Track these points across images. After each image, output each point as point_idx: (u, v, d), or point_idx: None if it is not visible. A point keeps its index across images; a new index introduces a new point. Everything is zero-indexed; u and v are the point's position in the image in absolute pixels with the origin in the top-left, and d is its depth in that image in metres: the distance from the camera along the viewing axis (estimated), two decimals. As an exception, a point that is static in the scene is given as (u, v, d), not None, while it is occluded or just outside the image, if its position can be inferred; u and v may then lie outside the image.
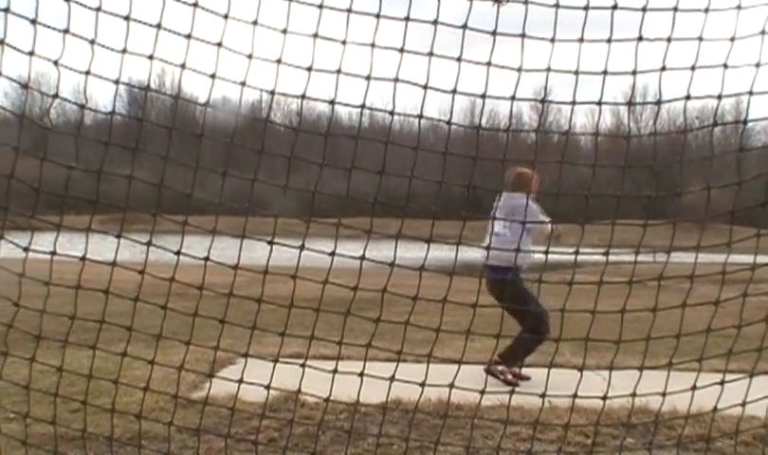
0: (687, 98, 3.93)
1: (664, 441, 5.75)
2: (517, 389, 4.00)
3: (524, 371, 7.85)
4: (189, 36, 3.62)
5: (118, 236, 3.94)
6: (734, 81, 3.99)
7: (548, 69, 3.78)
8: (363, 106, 3.78)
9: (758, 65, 3.79)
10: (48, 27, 3.57)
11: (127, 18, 3.59)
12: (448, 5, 3.78)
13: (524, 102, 3.98)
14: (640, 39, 3.76)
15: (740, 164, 4.06)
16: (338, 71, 3.70)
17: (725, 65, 3.86)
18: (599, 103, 3.83)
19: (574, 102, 3.82)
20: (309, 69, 3.71)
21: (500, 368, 7.92)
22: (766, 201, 3.89)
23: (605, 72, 3.79)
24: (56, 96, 3.79)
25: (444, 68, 3.93)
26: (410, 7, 3.66)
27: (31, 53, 3.58)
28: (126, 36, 3.59)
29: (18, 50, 3.57)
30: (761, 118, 4.19)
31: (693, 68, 3.84)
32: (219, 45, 3.64)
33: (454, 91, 3.76)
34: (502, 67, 3.74)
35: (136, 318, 4.08)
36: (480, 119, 4.04)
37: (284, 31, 3.66)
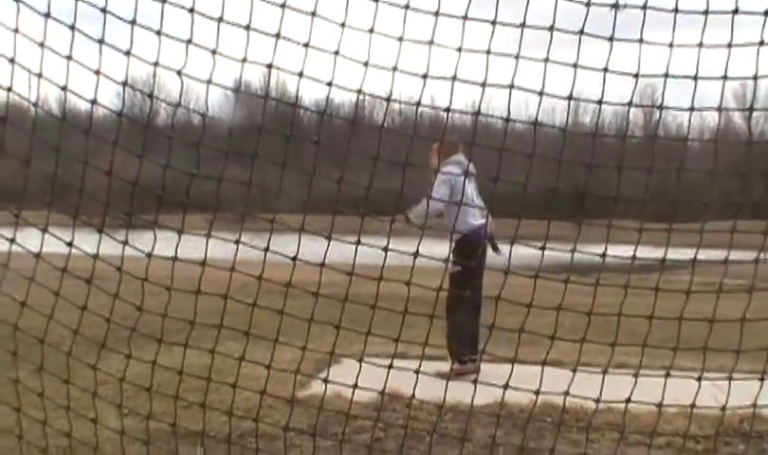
0: None
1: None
2: (633, 396, 3.92)
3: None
4: (307, 45, 3.68)
5: (236, 242, 4.02)
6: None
7: (666, 75, 3.71)
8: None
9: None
10: (171, 36, 3.68)
11: (247, 28, 3.66)
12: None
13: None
14: (761, 43, 3.66)
15: None
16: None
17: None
18: (720, 109, 3.74)
19: (692, 109, 3.74)
20: (424, 76, 3.73)
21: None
22: None
23: (725, 77, 3.70)
24: (178, 105, 3.90)
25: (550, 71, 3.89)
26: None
27: (156, 64, 3.70)
28: (247, 44, 3.67)
29: (144, 61, 3.69)
30: None
31: None
32: (336, 53, 3.68)
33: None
34: (618, 73, 3.69)
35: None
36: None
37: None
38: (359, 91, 3.83)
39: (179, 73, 3.67)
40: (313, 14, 3.67)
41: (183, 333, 4.32)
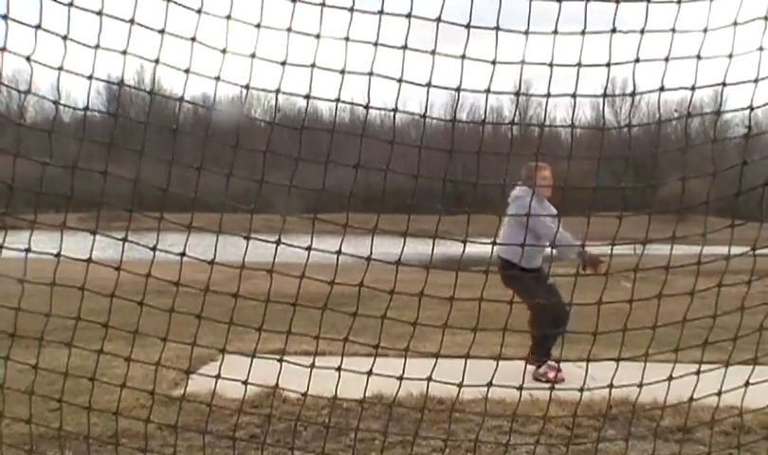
0: (662, 89, 3.95)
1: (643, 431, 5.79)
2: (495, 382, 4.00)
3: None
4: (162, 31, 3.61)
5: (94, 233, 3.92)
6: (710, 73, 4.01)
7: (522, 62, 3.79)
8: (338, 100, 3.78)
9: (730, 56, 3.82)
10: (22, 23, 3.56)
11: (99, 13, 3.57)
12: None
13: (504, 97, 4.00)
14: (614, 31, 3.78)
15: (716, 155, 4.08)
16: (312, 65, 3.70)
17: (699, 56, 3.88)
18: (574, 95, 3.83)
19: (548, 95, 3.83)
20: (283, 63, 3.71)
21: (541, 370, 7.80)
22: (739, 192, 3.92)
23: (579, 64, 3.81)
24: (28, 91, 3.78)
25: (419, 63, 3.94)
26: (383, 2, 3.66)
27: (3, 49, 3.56)
28: (99, 31, 3.58)
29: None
30: (738, 109, 4.21)
31: (667, 59, 3.86)
32: (192, 39, 3.63)
33: (428, 84, 3.77)
34: (477, 60, 3.75)
35: (114, 316, 4.06)
36: (454, 112, 4.03)
37: (258, 26, 3.65)
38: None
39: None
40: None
41: (51, 334, 4.20)
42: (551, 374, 7.52)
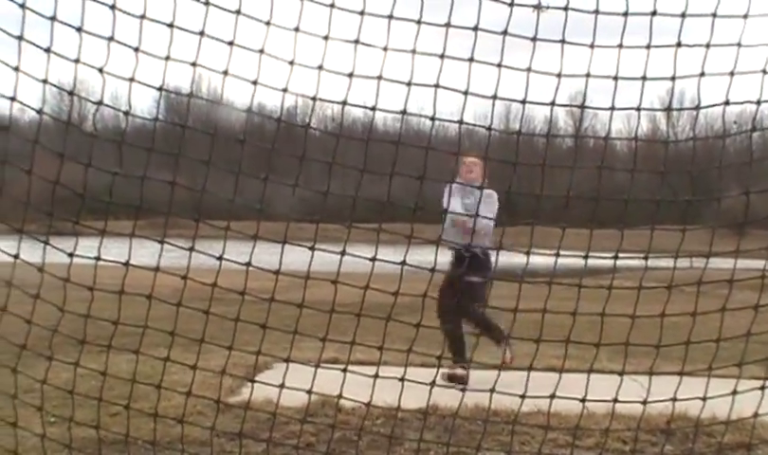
0: (726, 103, 3.92)
1: (703, 448, 5.70)
2: (557, 394, 3.98)
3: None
4: (231, 43, 3.67)
5: (161, 241, 3.99)
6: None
7: (587, 75, 3.79)
8: (404, 112, 3.81)
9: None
10: (93, 34, 3.64)
11: (171, 25, 3.64)
12: (488, 11, 3.80)
13: (560, 108, 3.99)
14: (679, 45, 3.76)
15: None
16: (379, 77, 3.73)
17: (764, 71, 3.84)
18: (638, 109, 3.82)
19: (613, 108, 3.82)
20: (350, 75, 3.74)
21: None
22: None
23: (644, 77, 3.79)
24: (100, 103, 3.85)
25: (482, 74, 3.95)
26: (450, 12, 3.68)
27: (77, 61, 3.65)
28: (170, 43, 3.65)
29: (64, 57, 3.63)
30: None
31: (732, 74, 3.83)
32: (261, 51, 3.68)
33: (494, 97, 3.78)
34: (543, 73, 3.75)
35: (170, 323, 4.12)
36: (519, 124, 4.04)
37: (326, 37, 3.69)
38: (285, 89, 3.83)
39: (101, 70, 3.63)
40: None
41: (115, 339, 4.28)
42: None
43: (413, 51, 3.74)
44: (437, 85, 3.77)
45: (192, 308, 4.04)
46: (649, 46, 3.75)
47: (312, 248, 3.99)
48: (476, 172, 8.42)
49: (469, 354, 7.83)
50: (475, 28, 3.71)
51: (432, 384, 4.07)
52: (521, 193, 4.33)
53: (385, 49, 3.73)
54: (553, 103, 3.84)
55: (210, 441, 4.99)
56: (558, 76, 3.78)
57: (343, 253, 3.95)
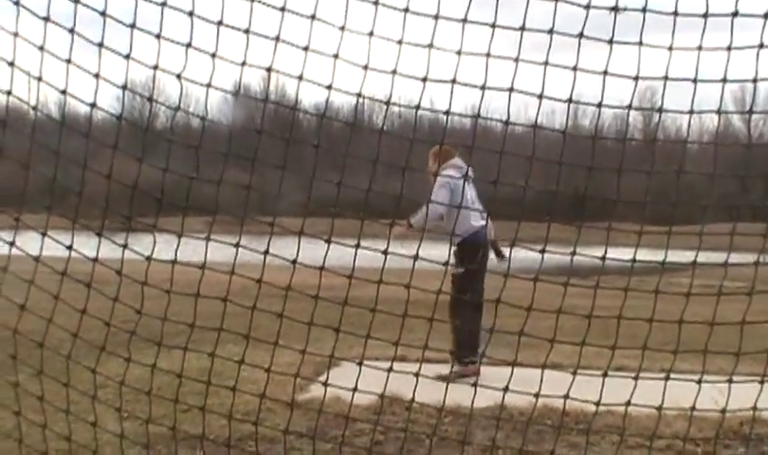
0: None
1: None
2: (633, 399, 3.93)
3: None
4: (306, 49, 3.68)
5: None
6: None
7: (665, 78, 3.73)
8: (478, 116, 3.78)
9: None
10: (170, 40, 3.69)
11: (247, 31, 3.67)
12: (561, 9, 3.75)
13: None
14: (761, 46, 3.67)
15: None
16: (453, 81, 3.71)
17: None
18: (719, 112, 3.74)
19: (692, 111, 3.74)
20: (424, 80, 3.73)
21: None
22: None
23: (724, 79, 3.70)
24: (178, 108, 3.90)
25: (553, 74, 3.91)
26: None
27: (156, 67, 3.70)
28: (247, 47, 3.68)
29: (143, 64, 3.69)
30: None
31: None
32: (336, 56, 3.69)
33: (569, 100, 3.73)
34: (616, 75, 3.70)
35: (251, 324, 4.15)
36: (596, 125, 3.97)
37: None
38: (359, 94, 3.84)
39: (178, 76, 3.67)
40: (312, 17, 3.68)
41: (183, 336, 4.33)
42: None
43: (488, 54, 3.71)
44: (512, 89, 3.73)
45: (267, 311, 4.07)
46: (730, 48, 3.66)
47: (385, 252, 3.99)
48: (430, 163, 8.94)
49: (482, 348, 7.85)
50: (550, 32, 3.67)
51: (506, 389, 4.04)
52: (593, 198, 4.26)
53: (458, 53, 3.71)
54: (629, 107, 3.77)
55: (280, 438, 5.03)
56: (636, 79, 3.71)
57: (416, 258, 3.94)
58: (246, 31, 3.66)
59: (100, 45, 3.68)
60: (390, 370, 4.06)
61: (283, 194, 4.14)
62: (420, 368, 4.10)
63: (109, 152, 4.04)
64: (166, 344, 4.25)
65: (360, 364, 4.07)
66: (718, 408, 4.04)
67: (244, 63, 3.75)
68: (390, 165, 4.08)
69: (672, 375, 3.87)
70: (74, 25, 3.80)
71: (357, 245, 3.90)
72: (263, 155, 4.14)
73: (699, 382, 3.88)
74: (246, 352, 4.27)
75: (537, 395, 3.94)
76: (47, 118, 4.70)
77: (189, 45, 3.70)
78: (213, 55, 3.67)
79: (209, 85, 3.78)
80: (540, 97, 3.74)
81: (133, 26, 3.67)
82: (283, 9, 3.65)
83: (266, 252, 4.02)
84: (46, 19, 3.83)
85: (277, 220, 4.17)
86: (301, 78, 3.72)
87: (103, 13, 3.64)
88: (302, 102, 4.25)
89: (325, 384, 4.24)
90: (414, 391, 4.21)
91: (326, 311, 4.13)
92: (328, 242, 3.96)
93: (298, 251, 3.98)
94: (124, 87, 3.86)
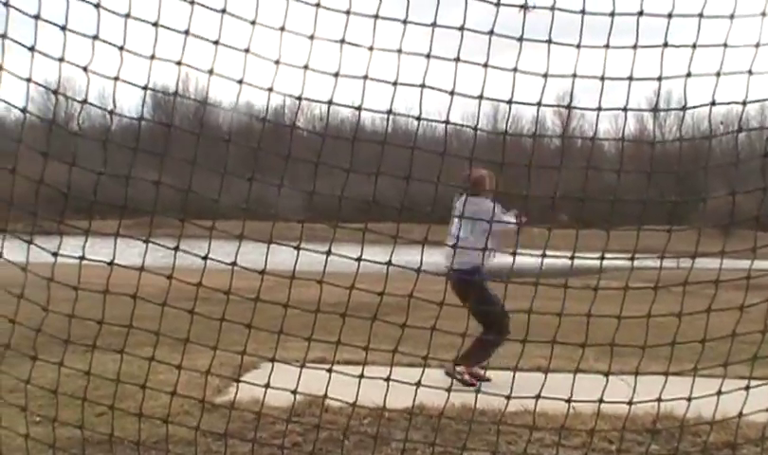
0: (713, 103, 3.93)
1: (689, 447, 5.72)
2: (543, 394, 3.99)
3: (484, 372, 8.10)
4: (216, 42, 3.66)
5: (146, 241, 3.97)
6: (759, 88, 3.99)
7: (574, 75, 3.80)
8: (390, 112, 3.80)
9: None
10: (78, 33, 3.62)
11: (155, 24, 3.62)
12: (474, 10, 3.80)
13: (547, 108, 3.98)
14: (666, 45, 3.76)
15: (765, 170, 4.05)
16: (365, 76, 3.72)
17: (750, 72, 3.85)
18: (625, 109, 3.82)
19: (599, 108, 3.82)
20: (336, 75, 3.74)
21: (458, 368, 8.02)
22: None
23: (630, 78, 3.79)
24: (85, 101, 3.84)
25: (468, 74, 3.95)
26: (436, 12, 3.67)
27: (61, 59, 3.63)
28: (155, 42, 3.63)
29: (48, 56, 3.62)
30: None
31: (718, 74, 3.84)
32: (246, 50, 3.67)
33: (480, 97, 3.78)
34: (529, 73, 3.75)
35: (155, 323, 4.11)
36: (506, 124, 4.03)
37: (312, 37, 3.68)
38: (270, 88, 3.82)
39: (85, 69, 3.62)
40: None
41: (94, 339, 4.26)
42: (467, 377, 8.08)
43: (399, 51, 3.73)
44: (423, 85, 3.76)
45: (178, 308, 4.03)
46: (635, 47, 3.75)
47: (297, 248, 3.98)
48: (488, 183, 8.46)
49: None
50: (461, 28, 3.71)
51: (418, 384, 4.06)
52: (509, 194, 4.32)
53: (370, 49, 3.73)
54: (539, 104, 3.84)
55: (195, 440, 4.97)
56: (545, 76, 3.78)
57: (329, 253, 3.94)
58: (155, 24, 3.62)
59: (3, 36, 3.59)
60: (302, 368, 4.06)
61: (197, 193, 4.11)
62: (332, 368, 4.10)
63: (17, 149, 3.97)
64: (76, 344, 4.17)
65: (273, 361, 4.06)
66: (626, 399, 4.12)
67: (153, 57, 3.70)
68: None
69: (582, 369, 3.94)
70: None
71: (270, 242, 3.89)
72: (178, 153, 4.11)
73: (606, 374, 3.97)
74: (155, 352, 4.22)
75: (448, 390, 3.96)
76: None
77: (96, 38, 3.65)
78: (121, 48, 3.62)
79: (116, 79, 3.73)
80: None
81: (37, 17, 3.60)
82: (192, 3, 3.63)
83: (177, 248, 3.97)
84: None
85: (191, 220, 4.14)
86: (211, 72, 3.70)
87: (6, 4, 3.56)
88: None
89: (237, 380, 4.21)
90: (327, 389, 4.21)
91: (246, 313, 4.12)
92: (240, 238, 3.94)
93: (208, 250, 3.95)
94: (28, 80, 3.77)
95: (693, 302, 4.10)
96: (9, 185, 3.84)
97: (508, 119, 4.01)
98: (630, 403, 4.09)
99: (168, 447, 5.22)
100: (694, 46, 3.76)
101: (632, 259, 3.98)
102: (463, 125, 4.20)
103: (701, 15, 3.75)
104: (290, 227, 4.57)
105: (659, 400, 4.10)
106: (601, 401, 4.08)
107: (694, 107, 3.99)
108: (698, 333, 4.16)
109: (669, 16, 3.75)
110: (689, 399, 4.10)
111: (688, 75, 3.79)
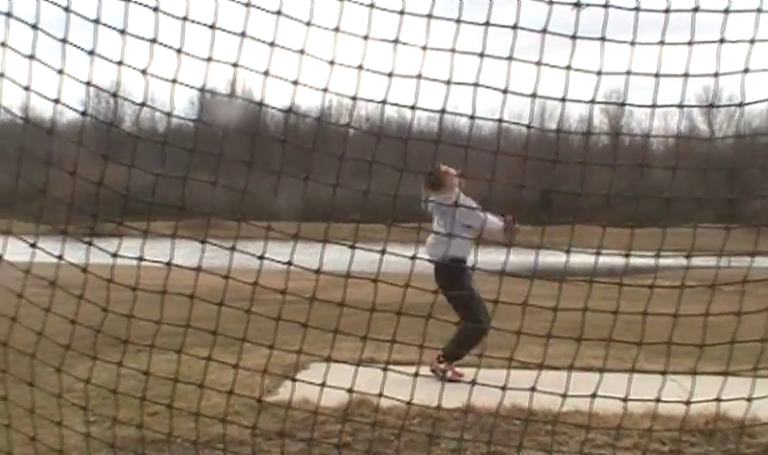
0: (769, 100, 3.87)
1: (745, 449, 5.65)
2: (598, 393, 3.96)
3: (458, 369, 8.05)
4: (272, 44, 3.68)
5: (203, 241, 4.01)
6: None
7: (628, 72, 3.77)
8: (443, 110, 3.80)
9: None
10: (137, 36, 3.67)
11: (212, 26, 3.66)
12: (527, 9, 3.79)
13: (596, 106, 3.96)
14: (722, 41, 3.72)
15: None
16: (419, 76, 3.73)
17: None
18: (681, 106, 3.79)
19: (654, 105, 3.79)
20: (390, 75, 3.75)
21: (441, 366, 8.07)
22: None
23: (686, 74, 3.75)
24: (143, 104, 3.88)
25: (519, 72, 3.93)
26: (489, 11, 3.67)
27: (120, 63, 3.68)
28: (212, 44, 3.67)
29: (108, 60, 3.67)
30: None
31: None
32: (301, 51, 3.69)
33: (534, 95, 3.76)
34: (582, 71, 3.73)
35: (209, 323, 4.14)
36: (558, 122, 4.01)
37: (366, 37, 3.70)
38: (325, 89, 3.85)
39: (144, 72, 3.66)
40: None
41: (150, 339, 4.30)
42: (450, 373, 7.95)
43: (453, 50, 3.73)
44: (476, 84, 3.75)
45: (235, 307, 4.06)
46: (691, 43, 3.72)
47: (353, 247, 3.99)
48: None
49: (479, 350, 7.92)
50: (514, 27, 3.70)
51: (473, 382, 4.06)
52: (560, 192, 4.29)
53: (424, 48, 3.73)
54: (593, 101, 3.81)
55: (248, 440, 5.00)
56: (599, 73, 3.75)
57: (383, 252, 3.95)
58: (212, 26, 3.65)
59: (64, 40, 3.64)
60: (357, 366, 4.07)
61: (251, 194, 4.14)
62: (387, 366, 4.11)
63: (74, 153, 4.02)
64: (133, 345, 4.22)
65: (327, 361, 4.07)
66: (682, 400, 4.08)
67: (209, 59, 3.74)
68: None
69: (636, 369, 3.90)
70: (37, 21, 3.77)
71: (324, 241, 3.90)
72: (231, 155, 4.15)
73: (663, 373, 3.93)
74: (211, 353, 4.25)
75: (503, 388, 3.95)
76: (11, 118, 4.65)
77: (154, 41, 3.69)
78: (179, 50, 3.66)
79: (174, 81, 3.76)
80: (505, 91, 3.76)
81: (97, 21, 3.65)
82: (248, 5, 3.66)
83: (233, 248, 4.01)
84: (8, 15, 3.79)
85: (247, 222, 4.17)
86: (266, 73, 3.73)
87: (67, 9, 3.61)
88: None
89: (293, 379, 4.23)
90: (382, 389, 4.22)
91: (296, 314, 4.14)
92: (295, 238, 3.97)
93: (264, 251, 3.98)
94: (88, 83, 3.83)
95: (749, 302, 4.04)
96: (68, 187, 3.90)
97: (561, 117, 4.00)
98: (687, 403, 4.05)
99: (219, 446, 5.27)
100: (752, 42, 3.70)
101: (689, 257, 3.94)
102: (517, 123, 4.18)
103: (759, 10, 3.70)
104: (337, 227, 4.58)
105: (718, 400, 4.05)
106: (658, 401, 4.04)
107: (751, 103, 3.94)
108: (754, 333, 4.10)
109: (726, 12, 3.70)
110: (749, 399, 4.05)
111: (746, 70, 3.73)
